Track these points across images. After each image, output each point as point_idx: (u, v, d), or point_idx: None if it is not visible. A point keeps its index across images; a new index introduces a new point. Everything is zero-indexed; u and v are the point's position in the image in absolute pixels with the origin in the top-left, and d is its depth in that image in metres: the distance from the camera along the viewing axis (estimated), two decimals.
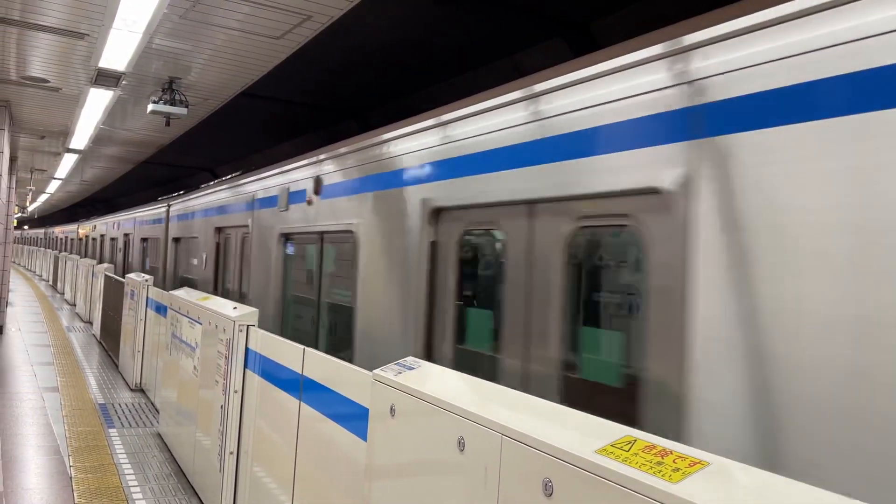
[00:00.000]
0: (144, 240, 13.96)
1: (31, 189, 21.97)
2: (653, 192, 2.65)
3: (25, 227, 55.86)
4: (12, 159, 13.55)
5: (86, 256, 22.95)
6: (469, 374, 2.59)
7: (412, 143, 4.43)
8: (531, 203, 3.39)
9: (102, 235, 20.38)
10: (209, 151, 14.35)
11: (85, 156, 14.75)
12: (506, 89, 3.65)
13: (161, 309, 7.52)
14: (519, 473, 1.89)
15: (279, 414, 3.90)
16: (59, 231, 34.59)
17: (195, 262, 9.68)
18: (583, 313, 3.18)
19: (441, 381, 2.53)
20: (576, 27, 5.92)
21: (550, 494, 1.75)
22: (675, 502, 1.42)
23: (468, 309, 3.98)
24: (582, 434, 1.84)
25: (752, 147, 2.27)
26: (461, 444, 2.14)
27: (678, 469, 1.53)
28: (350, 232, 5.10)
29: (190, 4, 5.54)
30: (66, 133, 12.04)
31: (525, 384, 3.34)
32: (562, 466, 1.72)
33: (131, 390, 8.76)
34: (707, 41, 2.50)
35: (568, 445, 1.74)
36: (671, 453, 1.61)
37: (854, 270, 1.96)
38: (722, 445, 2.23)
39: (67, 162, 15.93)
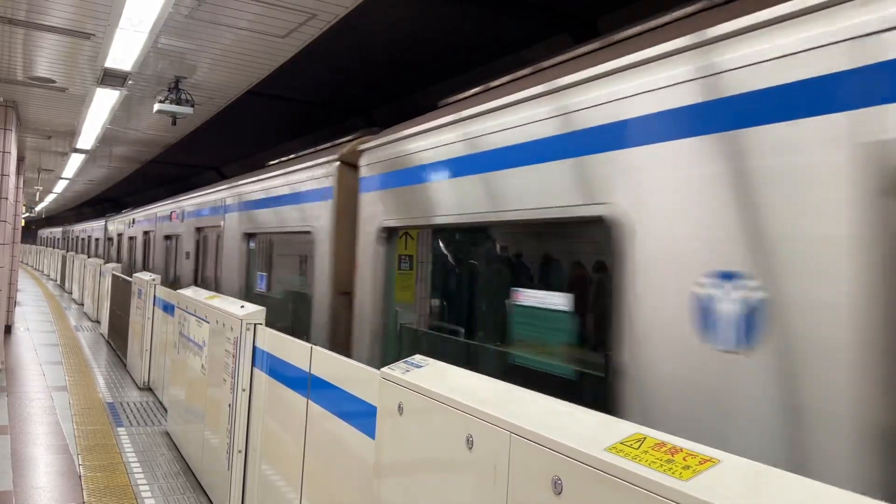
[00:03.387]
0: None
1: (38, 189, 22.05)
2: None
3: (32, 226, 54.80)
4: (20, 159, 13.60)
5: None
6: None
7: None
8: None
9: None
10: (216, 150, 14.37)
11: (92, 156, 14.78)
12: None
13: (168, 308, 7.55)
14: (528, 471, 1.88)
15: (287, 412, 3.90)
16: (143, 219, 15.50)
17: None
18: None
19: (449, 379, 2.52)
20: (582, 22, 5.89)
21: (560, 493, 1.74)
22: (687, 501, 1.41)
23: None
24: (591, 432, 1.83)
25: None
26: (470, 442, 2.13)
27: (689, 467, 1.52)
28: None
29: (195, 4, 5.54)
30: (72, 133, 12.07)
31: None
32: (571, 464, 1.71)
33: (139, 389, 8.79)
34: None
35: (577, 443, 1.73)
36: (681, 451, 1.60)
37: None
38: None
39: (74, 162, 15.98)
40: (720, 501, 1.37)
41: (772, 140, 2.08)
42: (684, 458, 1.56)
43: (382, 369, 2.76)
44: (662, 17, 2.91)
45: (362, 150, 5.06)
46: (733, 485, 1.45)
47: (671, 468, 1.52)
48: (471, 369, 2.62)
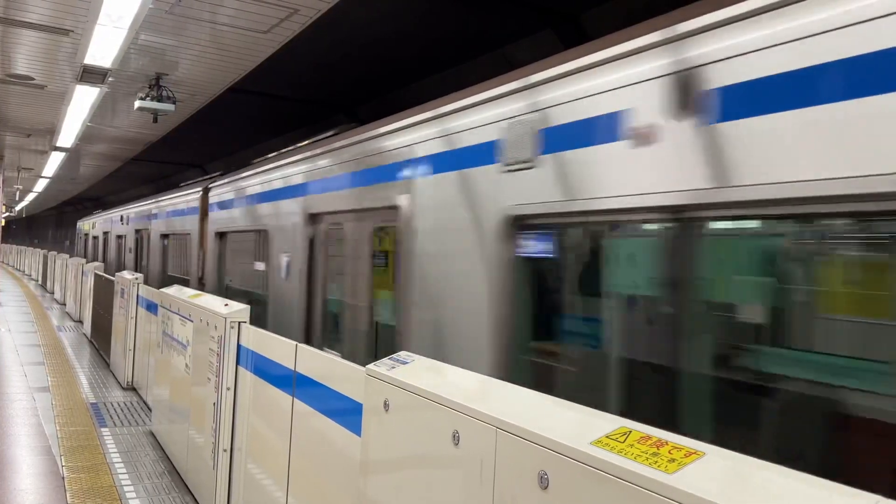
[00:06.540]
0: None
1: (18, 188, 21.77)
2: None
3: (9, 223, 53.78)
4: None
5: None
6: None
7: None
8: None
9: None
10: (198, 148, 14.26)
11: (72, 154, 14.62)
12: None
13: (152, 307, 7.48)
14: (514, 466, 1.88)
15: (272, 410, 3.88)
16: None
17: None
18: None
19: (435, 376, 2.51)
20: (566, 19, 5.90)
21: (546, 487, 1.74)
22: (672, 493, 1.42)
23: None
24: (576, 426, 1.83)
25: None
26: (456, 438, 2.13)
27: (674, 460, 1.53)
28: None
29: None
30: (52, 131, 11.93)
31: None
32: (557, 459, 1.72)
33: (123, 389, 8.71)
34: None
35: (563, 438, 1.73)
36: (666, 444, 1.61)
37: None
38: None
39: (55, 160, 15.80)
40: (705, 494, 1.37)
41: None
42: (669, 452, 1.57)
43: (368, 366, 2.75)
44: None
45: None
46: (718, 477, 1.46)
47: (657, 461, 1.53)
48: None
